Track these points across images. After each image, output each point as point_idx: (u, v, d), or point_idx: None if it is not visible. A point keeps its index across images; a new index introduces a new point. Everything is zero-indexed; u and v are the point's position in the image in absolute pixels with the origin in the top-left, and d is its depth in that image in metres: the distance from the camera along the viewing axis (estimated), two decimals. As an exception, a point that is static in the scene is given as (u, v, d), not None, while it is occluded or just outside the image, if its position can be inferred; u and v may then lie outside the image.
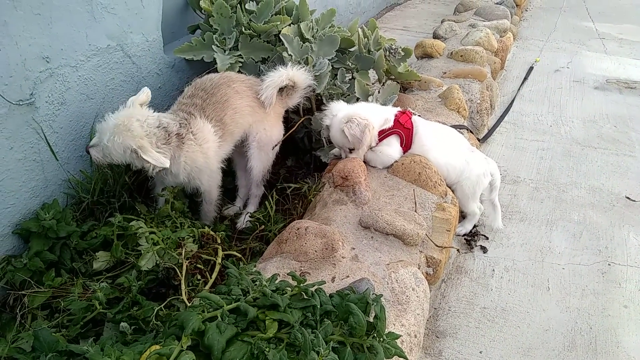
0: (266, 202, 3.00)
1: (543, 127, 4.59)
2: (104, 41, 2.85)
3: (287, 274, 2.03)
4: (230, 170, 3.34)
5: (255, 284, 1.98)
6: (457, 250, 3.04)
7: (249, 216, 3.13)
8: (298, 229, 2.46)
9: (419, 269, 2.48)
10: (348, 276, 2.26)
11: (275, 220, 3.01)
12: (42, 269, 2.49)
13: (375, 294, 2.05)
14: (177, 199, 2.89)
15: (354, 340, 1.88)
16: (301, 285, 1.98)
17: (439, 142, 3.11)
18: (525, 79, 5.53)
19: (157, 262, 2.49)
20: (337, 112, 2.99)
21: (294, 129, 3.29)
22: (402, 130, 3.05)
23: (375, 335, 1.90)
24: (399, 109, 3.19)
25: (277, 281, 2.06)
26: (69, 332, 2.27)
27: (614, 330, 2.59)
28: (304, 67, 3.16)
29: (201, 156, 2.79)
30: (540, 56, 6.20)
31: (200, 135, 2.75)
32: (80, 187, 2.84)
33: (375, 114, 3.04)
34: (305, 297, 1.96)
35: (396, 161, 3.02)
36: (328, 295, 2.07)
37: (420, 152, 3.08)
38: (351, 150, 3.01)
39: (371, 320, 1.95)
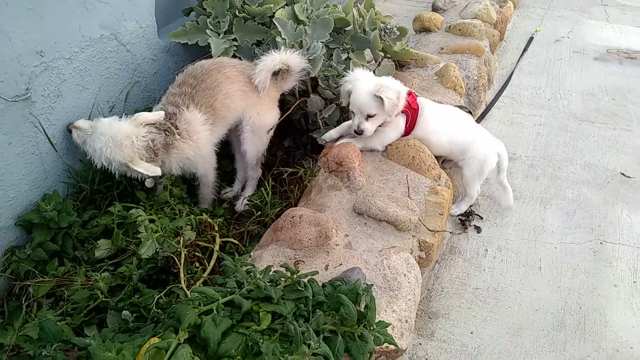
0: (262, 189, 3.04)
1: (541, 101, 4.59)
2: (97, 31, 2.86)
3: (281, 266, 2.09)
4: (228, 154, 3.39)
5: (250, 276, 2.04)
6: (451, 232, 3.09)
7: (247, 199, 3.19)
8: (293, 217, 2.51)
9: (411, 253, 2.54)
10: (341, 264, 2.32)
11: (273, 204, 3.06)
12: (45, 259, 2.56)
13: (366, 284, 2.12)
14: (175, 185, 2.95)
15: (345, 329, 1.96)
16: (294, 276, 2.05)
17: (444, 122, 3.12)
18: (524, 50, 5.49)
19: (157, 250, 2.56)
20: (362, 77, 2.95)
21: (289, 112, 3.31)
22: (410, 110, 3.06)
23: (365, 324, 1.98)
24: (407, 89, 3.17)
25: (271, 272, 2.13)
26: (74, 320, 2.35)
27: (602, 309, 2.66)
28: (297, 50, 3.16)
29: (192, 149, 2.84)
30: (540, 25, 6.14)
31: (188, 128, 2.79)
32: (80, 177, 2.89)
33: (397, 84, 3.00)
34: (299, 288, 2.02)
35: (391, 144, 3.04)
36: (321, 284, 2.14)
37: (423, 133, 3.09)
38: (368, 118, 2.93)
39: (362, 309, 2.02)
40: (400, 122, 3.07)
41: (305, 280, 2.07)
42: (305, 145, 3.76)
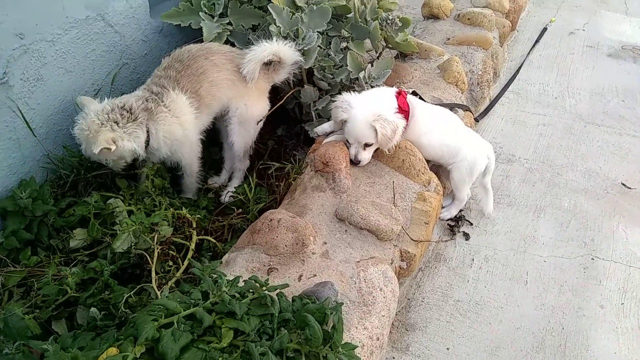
0: (245, 185, 2.96)
1: (547, 99, 4.42)
2: (83, 12, 2.76)
3: (250, 278, 2.02)
4: (217, 141, 3.31)
5: (217, 286, 1.97)
6: (436, 242, 2.99)
7: (232, 192, 3.11)
8: (271, 220, 2.43)
9: (391, 264, 2.46)
10: (315, 275, 2.25)
11: (258, 199, 2.99)
12: (19, 247, 2.52)
13: (336, 302, 2.05)
14: (157, 175, 2.87)
15: (310, 349, 1.89)
16: (263, 288, 1.98)
17: (434, 124, 3.02)
18: (536, 42, 5.28)
19: (132, 244, 2.50)
20: (357, 105, 2.79)
21: (279, 104, 3.20)
22: (400, 112, 2.93)
23: (332, 345, 1.91)
24: (395, 89, 3.04)
25: (241, 282, 2.06)
26: (42, 314, 2.30)
27: (586, 332, 2.58)
28: (292, 41, 3.04)
29: (179, 128, 2.78)
30: (556, 16, 5.89)
31: (174, 107, 2.73)
32: (61, 163, 2.82)
33: (391, 108, 2.86)
34: (266, 302, 1.95)
35: (382, 145, 2.94)
36: (291, 298, 2.07)
37: (414, 136, 2.98)
38: (366, 146, 2.83)
39: (329, 329, 1.95)
40: None
41: (275, 293, 2.01)
42: (299, 135, 3.67)
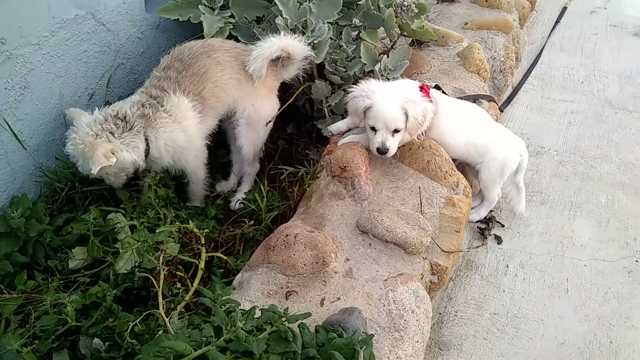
0: (256, 194, 2.72)
1: (574, 84, 4.15)
2: (71, 11, 2.53)
3: (267, 309, 1.79)
4: (224, 143, 3.07)
5: (230, 318, 1.75)
6: (467, 250, 2.76)
7: (241, 200, 2.89)
8: (287, 236, 2.20)
9: (421, 279, 2.24)
10: (339, 298, 2.03)
11: (271, 203, 2.77)
12: (14, 272, 2.31)
13: (365, 333, 1.82)
14: (160, 185, 2.65)
15: (339, 389, 1.67)
16: (282, 319, 1.76)
17: (460, 120, 2.78)
18: (557, 22, 4.98)
19: (136, 264, 2.29)
20: (380, 89, 2.57)
21: (289, 102, 2.96)
22: None
23: (363, 384, 1.69)
24: (418, 83, 2.79)
25: (256, 313, 1.84)
26: (41, 345, 2.10)
27: (636, 344, 2.36)
28: (300, 34, 2.79)
29: (182, 134, 2.58)
30: (575, -7, 5.59)
31: (175, 112, 2.53)
32: (55, 176, 2.60)
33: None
34: (286, 337, 1.73)
35: (403, 145, 2.68)
36: (314, 328, 1.85)
37: (438, 133, 2.74)
38: (394, 133, 2.56)
39: (359, 366, 1.73)
40: None
41: (296, 324, 1.78)
42: (310, 132, 3.42)
